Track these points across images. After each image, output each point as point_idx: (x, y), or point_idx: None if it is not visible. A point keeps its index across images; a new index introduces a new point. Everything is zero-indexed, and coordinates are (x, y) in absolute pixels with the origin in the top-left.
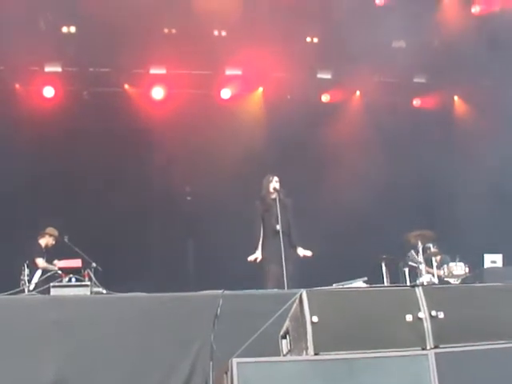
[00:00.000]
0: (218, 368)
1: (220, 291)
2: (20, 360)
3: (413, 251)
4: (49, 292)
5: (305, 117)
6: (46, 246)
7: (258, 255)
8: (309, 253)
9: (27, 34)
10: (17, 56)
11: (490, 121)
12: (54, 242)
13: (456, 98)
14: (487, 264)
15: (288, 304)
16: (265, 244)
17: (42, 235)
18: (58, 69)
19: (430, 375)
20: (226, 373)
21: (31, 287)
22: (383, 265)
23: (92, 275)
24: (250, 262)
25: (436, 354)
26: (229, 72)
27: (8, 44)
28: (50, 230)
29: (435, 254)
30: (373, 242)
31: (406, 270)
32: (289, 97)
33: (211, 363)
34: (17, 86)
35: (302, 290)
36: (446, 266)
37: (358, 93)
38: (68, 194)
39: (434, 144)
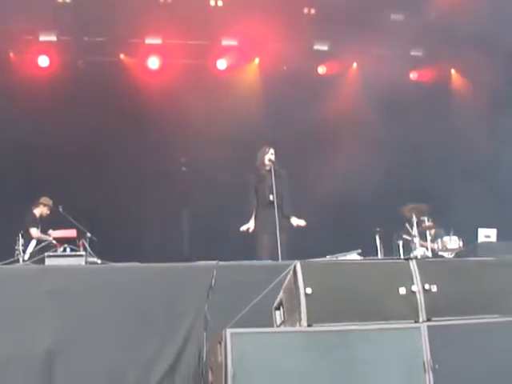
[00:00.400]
0: (212, 338)
1: (214, 262)
2: (14, 329)
3: (407, 224)
4: (43, 262)
5: (301, 88)
6: (41, 215)
7: (250, 225)
8: (302, 222)
9: (22, 2)
10: (11, 24)
11: (487, 95)
12: (48, 212)
13: (453, 71)
14: (481, 238)
15: (282, 275)
16: (258, 215)
17: (37, 205)
18: (53, 38)
19: (422, 348)
20: (220, 343)
21: (26, 257)
22: (377, 237)
23: (87, 245)
24: (243, 232)
25: (428, 326)
26: (225, 42)
27: (2, 13)
28: (44, 199)
29: (429, 228)
30: (367, 214)
31: (400, 242)
32: (285, 68)
33: (205, 334)
34: (11, 54)
35: (296, 261)
36: (440, 239)
37: (354, 65)
38: (63, 165)
39: (430, 118)
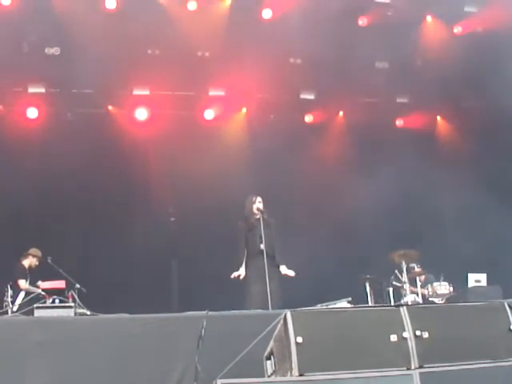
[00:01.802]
0: None
1: (204, 312)
2: (3, 381)
3: (397, 271)
4: (32, 313)
5: (288, 137)
6: (30, 266)
7: (241, 272)
8: (292, 273)
9: (10, 55)
10: (0, 77)
11: (472, 141)
12: (37, 263)
13: (439, 118)
14: (471, 283)
15: (272, 325)
16: (248, 264)
17: (25, 256)
18: (42, 90)
19: None
20: None
21: (15, 308)
22: (367, 284)
23: (76, 296)
24: (234, 278)
25: (421, 373)
26: (212, 93)
27: None
28: (33, 250)
29: (419, 274)
30: (357, 262)
31: (390, 289)
32: (272, 117)
33: None
34: (0, 107)
35: (286, 310)
36: (430, 285)
37: (341, 113)
38: (52, 217)
39: (417, 163)
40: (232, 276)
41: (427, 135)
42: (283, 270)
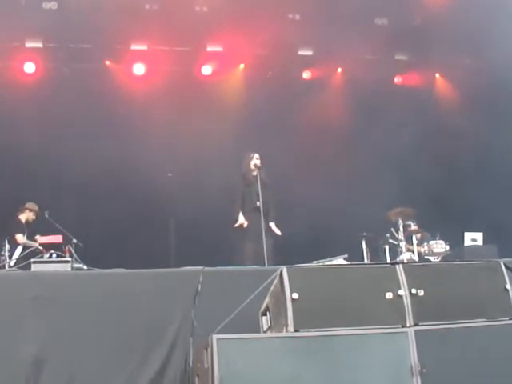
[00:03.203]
0: (199, 344)
1: (200, 267)
2: (0, 336)
3: (393, 229)
4: (30, 268)
5: (286, 93)
6: (27, 221)
7: (242, 221)
8: (278, 231)
9: (8, 9)
10: None
11: (471, 99)
12: (34, 217)
13: (437, 75)
14: (467, 242)
15: (268, 281)
16: (244, 220)
17: (22, 210)
18: (39, 44)
19: (409, 352)
20: (206, 349)
21: (12, 263)
22: (363, 242)
23: (73, 251)
24: (238, 227)
25: (416, 331)
26: (210, 48)
27: None
28: (29, 204)
29: (415, 232)
30: (353, 219)
31: (387, 247)
32: (270, 73)
33: (191, 339)
34: None
35: (282, 266)
36: (426, 243)
37: (339, 70)
38: (49, 171)
39: (415, 121)
40: (235, 226)
41: (426, 93)
42: (272, 226)
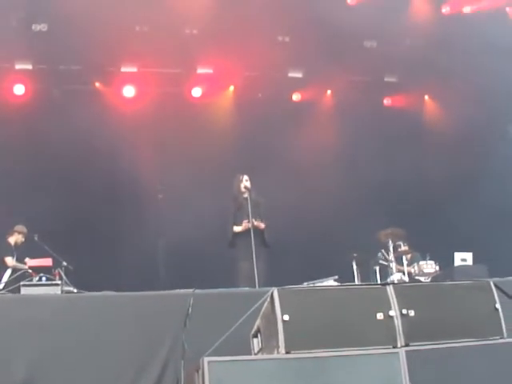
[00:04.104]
0: (190, 367)
1: (191, 290)
2: None
3: (383, 250)
4: (19, 291)
5: (276, 115)
6: (16, 243)
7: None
8: (262, 225)
9: None
10: None
11: (460, 120)
12: (23, 240)
13: (426, 97)
14: (457, 262)
15: (259, 303)
16: (237, 242)
17: (11, 233)
18: (29, 66)
19: (400, 373)
20: (198, 371)
21: (1, 286)
22: (354, 263)
23: (63, 274)
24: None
25: (407, 352)
26: (200, 71)
27: None
28: (18, 227)
29: (406, 253)
30: (344, 240)
31: (377, 268)
32: (260, 95)
33: (182, 362)
34: None
35: (273, 288)
36: (416, 264)
37: (329, 92)
38: (37, 193)
39: (404, 143)
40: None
41: (415, 115)
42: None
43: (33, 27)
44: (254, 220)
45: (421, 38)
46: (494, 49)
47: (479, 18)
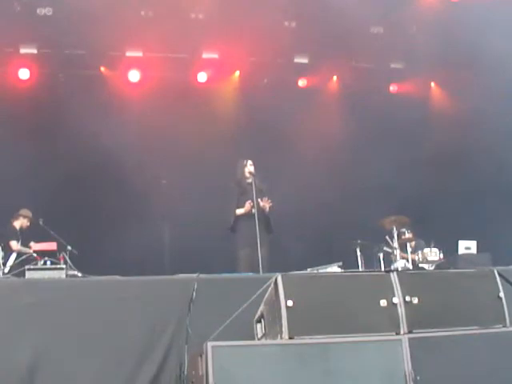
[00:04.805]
0: (193, 352)
1: (195, 275)
2: None
3: (388, 236)
4: (24, 275)
5: (281, 101)
6: (21, 227)
7: (246, 207)
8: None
9: (2, 15)
10: None
11: (466, 107)
12: (28, 224)
13: (433, 84)
14: (461, 250)
15: (263, 288)
16: (240, 227)
17: (16, 217)
18: (34, 51)
19: (403, 360)
20: (201, 356)
21: (6, 270)
22: (358, 250)
23: (67, 258)
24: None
25: (410, 339)
26: (205, 55)
27: None
28: (23, 211)
29: (410, 240)
30: (348, 227)
31: (381, 255)
32: (265, 81)
33: (186, 347)
34: None
35: (277, 274)
36: (420, 251)
37: (334, 78)
38: (43, 177)
39: (409, 129)
40: (245, 210)
41: (421, 101)
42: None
43: (37, 11)
44: (260, 201)
45: (427, 24)
46: (503, 36)
47: (487, 5)
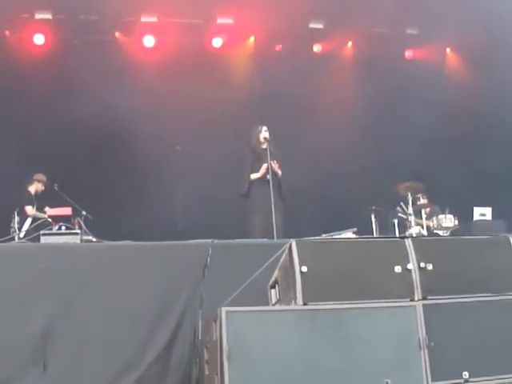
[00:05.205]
0: (207, 317)
1: (209, 240)
2: (8, 308)
3: (402, 203)
4: (39, 240)
5: (296, 66)
6: (36, 192)
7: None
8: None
9: None
10: (6, 2)
11: (482, 74)
12: (43, 188)
13: (448, 50)
14: (476, 217)
15: (277, 254)
16: (254, 193)
17: (31, 182)
18: (49, 16)
19: (417, 326)
20: (215, 321)
21: (21, 235)
22: (373, 216)
23: (82, 223)
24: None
25: (424, 305)
26: (220, 21)
27: None
28: (37, 176)
29: (425, 206)
30: (362, 193)
31: (396, 221)
32: (280, 46)
33: (200, 312)
34: (7, 33)
35: (291, 240)
36: (435, 217)
37: (350, 43)
38: (59, 143)
39: (426, 97)
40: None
41: (437, 67)
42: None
43: None
44: (272, 163)
45: None
46: None
47: None
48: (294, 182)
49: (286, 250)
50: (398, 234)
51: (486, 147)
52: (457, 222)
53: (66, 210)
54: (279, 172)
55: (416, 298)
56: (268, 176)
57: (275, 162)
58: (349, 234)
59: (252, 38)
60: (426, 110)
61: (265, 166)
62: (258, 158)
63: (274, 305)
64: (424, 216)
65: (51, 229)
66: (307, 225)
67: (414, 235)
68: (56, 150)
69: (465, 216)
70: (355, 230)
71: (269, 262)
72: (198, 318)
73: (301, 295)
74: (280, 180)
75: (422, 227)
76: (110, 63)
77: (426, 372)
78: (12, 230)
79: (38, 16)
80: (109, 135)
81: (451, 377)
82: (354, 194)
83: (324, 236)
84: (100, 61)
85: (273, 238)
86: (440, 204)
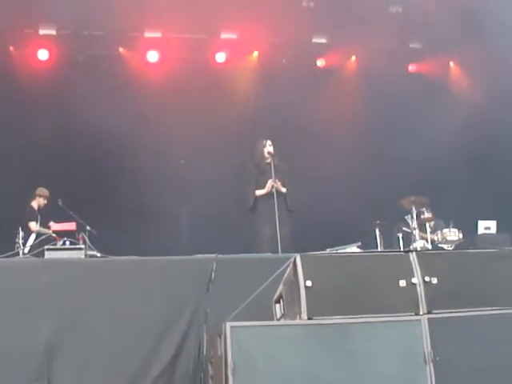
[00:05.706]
0: (212, 332)
1: (214, 255)
2: (14, 322)
3: (407, 216)
4: (43, 255)
5: (300, 81)
6: (39, 207)
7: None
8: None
9: None
10: (11, 18)
11: (485, 87)
12: (45, 202)
13: (452, 63)
14: (481, 230)
15: (282, 268)
16: (259, 207)
17: (33, 197)
18: (53, 32)
19: (422, 340)
20: (220, 336)
21: (26, 250)
22: (377, 230)
23: (86, 238)
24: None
25: (429, 319)
26: (224, 36)
27: (2, 7)
28: (40, 190)
29: (429, 220)
30: (367, 207)
31: (400, 235)
32: (284, 61)
33: (205, 327)
34: (11, 48)
35: (295, 254)
36: (439, 231)
37: (353, 58)
38: (63, 158)
39: (429, 110)
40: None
41: (440, 81)
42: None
43: None
44: (276, 181)
45: (446, 3)
46: None
47: None
48: (298, 196)
49: (291, 265)
50: (402, 248)
51: (490, 160)
52: (461, 236)
53: (70, 225)
54: (283, 190)
55: (421, 312)
56: (273, 190)
57: (277, 181)
58: (353, 249)
59: (256, 53)
60: (430, 123)
61: (270, 182)
62: (262, 173)
63: (278, 319)
64: (428, 230)
65: (55, 244)
66: (312, 239)
67: (419, 249)
68: (59, 165)
69: (469, 230)
70: (359, 244)
71: (273, 276)
72: (203, 333)
73: (305, 310)
74: (285, 194)
75: (427, 241)
76: (113, 78)
77: None
78: (16, 245)
79: (42, 31)
80: (112, 150)
81: None
82: (358, 208)
83: (328, 250)
84: (104, 76)
85: (278, 252)
86: (444, 218)
